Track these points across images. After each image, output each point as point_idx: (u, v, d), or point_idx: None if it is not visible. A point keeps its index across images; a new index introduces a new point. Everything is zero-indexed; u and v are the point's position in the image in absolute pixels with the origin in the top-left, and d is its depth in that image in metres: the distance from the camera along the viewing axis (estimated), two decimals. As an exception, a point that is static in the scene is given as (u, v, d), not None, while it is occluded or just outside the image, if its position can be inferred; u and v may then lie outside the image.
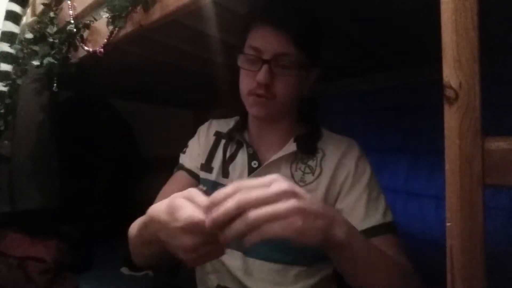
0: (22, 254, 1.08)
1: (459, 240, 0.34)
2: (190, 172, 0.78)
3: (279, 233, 0.38)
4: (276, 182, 0.40)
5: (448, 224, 0.35)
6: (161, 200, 0.54)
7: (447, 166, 0.35)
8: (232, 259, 0.68)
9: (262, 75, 0.61)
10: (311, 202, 0.41)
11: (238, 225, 0.38)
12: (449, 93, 0.35)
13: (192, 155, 0.79)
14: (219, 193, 0.39)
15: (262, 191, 0.38)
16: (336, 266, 0.51)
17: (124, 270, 1.27)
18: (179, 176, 0.78)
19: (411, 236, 1.17)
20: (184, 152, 0.82)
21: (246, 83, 0.65)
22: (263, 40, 0.62)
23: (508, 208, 0.97)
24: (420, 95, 1.21)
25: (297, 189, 0.40)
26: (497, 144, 0.33)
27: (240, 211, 0.38)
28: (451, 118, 0.35)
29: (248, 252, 0.67)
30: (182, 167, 0.79)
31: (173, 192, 0.47)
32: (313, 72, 0.69)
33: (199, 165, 0.77)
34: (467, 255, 0.34)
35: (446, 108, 0.35)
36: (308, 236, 0.39)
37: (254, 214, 0.37)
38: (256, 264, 0.67)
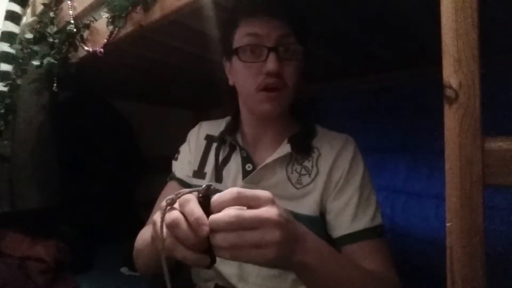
0: (22, 254, 1.08)
1: (459, 240, 0.34)
2: (181, 181, 0.75)
3: (250, 260, 0.38)
4: (269, 207, 0.39)
5: (448, 224, 0.35)
6: (157, 210, 0.56)
7: (447, 166, 0.35)
8: (227, 266, 0.66)
9: (272, 63, 0.57)
10: (288, 232, 0.40)
11: (218, 240, 0.38)
12: (449, 93, 0.35)
13: (183, 163, 0.77)
14: (220, 196, 0.39)
15: (254, 214, 0.38)
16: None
17: (124, 270, 1.27)
18: (170, 187, 0.77)
19: (411, 236, 1.17)
20: (176, 159, 0.80)
21: (252, 78, 0.61)
22: (261, 27, 0.59)
23: (508, 208, 0.97)
24: (420, 95, 1.21)
25: (283, 218, 0.40)
26: (497, 144, 0.33)
27: (229, 227, 0.37)
28: (451, 118, 0.35)
29: None
30: (174, 177, 0.77)
31: None
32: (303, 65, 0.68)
33: (190, 173, 0.75)
34: (467, 255, 0.34)
35: (446, 108, 0.35)
36: (274, 266, 0.41)
37: (237, 237, 0.37)
38: (252, 270, 0.64)
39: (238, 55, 0.62)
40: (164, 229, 0.41)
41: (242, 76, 0.63)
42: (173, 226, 0.39)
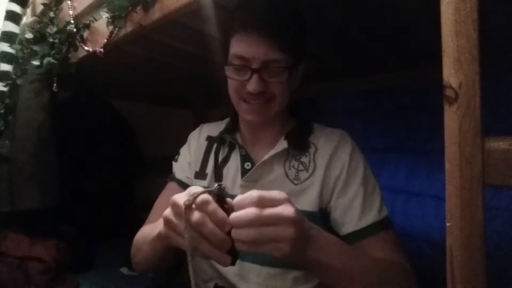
0: (22, 254, 1.08)
1: (459, 240, 0.34)
2: (180, 182, 0.76)
3: (266, 253, 0.42)
4: (286, 205, 0.43)
5: (448, 224, 0.35)
6: (156, 211, 0.70)
7: (447, 166, 0.35)
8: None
9: (253, 85, 0.60)
10: (302, 229, 0.44)
11: (241, 235, 0.42)
12: (449, 93, 0.35)
13: (183, 164, 0.78)
14: (242, 199, 0.43)
15: (273, 212, 0.42)
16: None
17: (124, 270, 1.27)
18: (170, 188, 0.78)
19: (411, 236, 1.17)
20: (176, 160, 0.80)
21: (237, 90, 0.64)
22: (249, 48, 0.60)
23: (508, 208, 0.97)
24: (420, 95, 1.21)
25: (299, 216, 0.43)
26: (497, 144, 0.33)
27: (250, 224, 0.41)
28: (451, 118, 0.35)
29: (244, 256, 0.65)
30: (174, 178, 0.78)
31: (165, 204, 0.49)
32: (301, 66, 0.68)
33: (190, 175, 0.76)
34: (467, 255, 0.34)
35: (446, 108, 0.35)
36: (289, 260, 0.44)
37: (258, 233, 0.41)
38: (253, 269, 0.65)
39: (227, 70, 0.64)
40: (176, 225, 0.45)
41: (230, 87, 0.66)
42: (199, 224, 0.42)
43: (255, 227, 0.41)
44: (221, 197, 0.44)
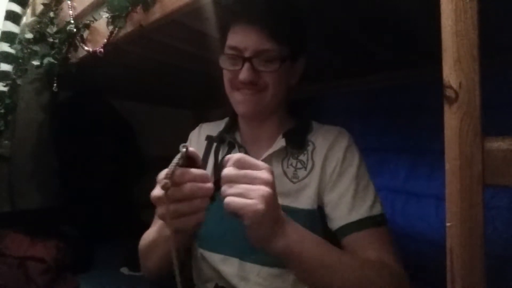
0: (22, 254, 1.08)
1: (459, 240, 0.34)
2: None
3: (239, 208, 0.43)
4: (265, 171, 0.46)
5: (448, 224, 0.35)
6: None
7: (447, 166, 0.35)
8: (228, 266, 0.66)
9: (245, 73, 0.61)
10: (275, 198, 0.47)
11: (224, 190, 0.45)
12: (449, 93, 0.35)
13: None
14: (227, 158, 0.47)
15: (249, 172, 0.45)
16: None
17: (124, 270, 1.27)
18: None
19: (411, 236, 1.17)
20: None
21: (230, 80, 0.66)
22: (242, 38, 0.62)
23: (508, 208, 0.97)
24: (420, 95, 1.21)
25: (274, 185, 0.46)
26: (497, 144, 0.33)
27: (228, 180, 0.45)
28: (451, 118, 0.35)
29: (245, 256, 0.65)
30: None
31: None
32: (299, 62, 0.69)
33: None
34: (467, 255, 0.34)
35: (446, 108, 0.35)
36: (254, 230, 0.46)
37: (233, 188, 0.44)
38: (253, 269, 0.64)
39: (221, 61, 0.66)
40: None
41: (224, 77, 0.68)
42: (193, 192, 0.44)
43: (232, 183, 0.44)
44: (190, 158, 0.46)
